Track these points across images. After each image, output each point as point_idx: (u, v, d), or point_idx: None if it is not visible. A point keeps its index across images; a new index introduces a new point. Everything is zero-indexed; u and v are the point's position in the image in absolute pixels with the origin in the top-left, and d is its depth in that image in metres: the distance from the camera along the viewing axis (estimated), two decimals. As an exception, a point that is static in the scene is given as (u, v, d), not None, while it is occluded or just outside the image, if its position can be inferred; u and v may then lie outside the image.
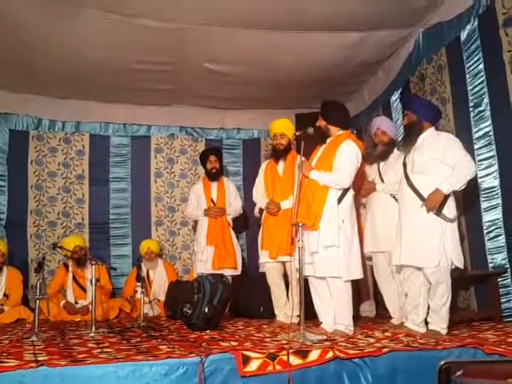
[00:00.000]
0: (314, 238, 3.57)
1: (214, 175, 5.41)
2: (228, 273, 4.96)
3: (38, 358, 2.64)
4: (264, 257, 4.42)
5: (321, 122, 3.82)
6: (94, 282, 4.04)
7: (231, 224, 5.37)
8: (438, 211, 3.40)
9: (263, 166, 4.74)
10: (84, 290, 5.60)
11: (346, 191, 3.65)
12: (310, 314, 3.69)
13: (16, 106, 6.35)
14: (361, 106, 6.57)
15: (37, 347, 3.14)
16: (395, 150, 4.19)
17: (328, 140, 3.81)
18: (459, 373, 1.73)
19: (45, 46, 4.98)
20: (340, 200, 3.62)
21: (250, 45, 5.03)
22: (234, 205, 5.40)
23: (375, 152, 4.35)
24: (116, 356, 2.70)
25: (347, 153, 3.65)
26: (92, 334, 3.80)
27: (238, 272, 5.21)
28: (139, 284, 4.50)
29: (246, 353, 2.61)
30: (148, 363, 2.50)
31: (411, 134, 3.66)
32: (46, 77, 5.76)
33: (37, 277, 4.05)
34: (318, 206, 3.60)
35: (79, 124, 6.69)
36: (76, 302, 5.54)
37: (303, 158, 3.72)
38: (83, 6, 4.29)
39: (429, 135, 3.60)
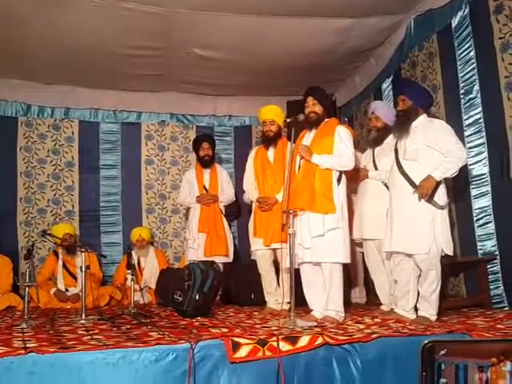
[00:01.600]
0: (318, 221, 3.57)
1: (206, 162, 5.38)
2: (220, 260, 4.92)
3: (27, 345, 2.63)
4: (256, 244, 4.40)
5: (317, 107, 3.81)
6: (84, 270, 4.03)
7: (223, 211, 5.35)
8: (429, 198, 3.41)
9: (252, 153, 4.68)
10: (74, 277, 5.58)
11: (341, 174, 3.68)
12: (300, 300, 3.70)
13: (4, 92, 6.25)
14: (352, 93, 6.55)
15: (26, 334, 3.13)
16: (391, 136, 4.03)
17: (320, 125, 3.81)
18: (442, 352, 1.74)
19: (33, 32, 4.91)
20: (338, 182, 3.66)
21: (239, 30, 4.98)
22: (226, 192, 5.37)
23: (369, 137, 4.34)
24: (106, 343, 2.69)
25: (346, 136, 3.70)
26: (82, 321, 3.79)
27: (230, 259, 5.20)
28: (130, 271, 4.49)
29: (235, 339, 2.61)
30: (137, 350, 2.50)
31: (406, 120, 3.61)
32: (34, 62, 5.69)
33: (27, 264, 4.02)
34: (328, 189, 3.61)
35: (68, 110, 6.60)
36: (66, 290, 5.52)
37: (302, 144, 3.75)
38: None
39: (421, 122, 3.58)
